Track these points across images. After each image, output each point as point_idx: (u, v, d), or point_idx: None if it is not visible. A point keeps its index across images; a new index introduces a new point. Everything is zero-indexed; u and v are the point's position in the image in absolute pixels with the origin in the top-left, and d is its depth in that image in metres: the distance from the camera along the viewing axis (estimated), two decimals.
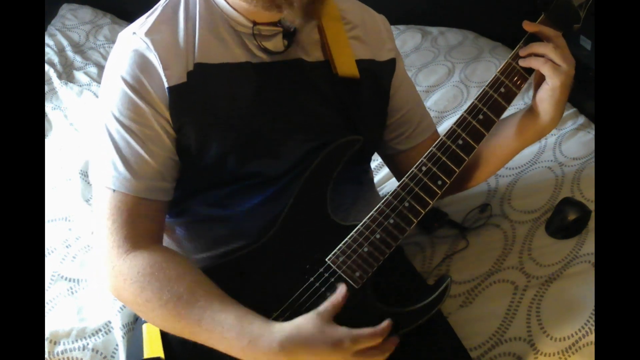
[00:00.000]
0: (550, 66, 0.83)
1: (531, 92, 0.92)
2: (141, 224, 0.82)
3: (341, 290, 0.79)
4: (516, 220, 1.21)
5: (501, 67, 0.87)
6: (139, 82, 0.82)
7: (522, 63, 0.86)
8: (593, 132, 1.41)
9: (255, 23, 0.85)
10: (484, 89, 0.86)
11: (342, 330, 0.73)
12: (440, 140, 0.85)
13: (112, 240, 0.80)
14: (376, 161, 1.41)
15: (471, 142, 0.86)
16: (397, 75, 1.00)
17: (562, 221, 1.16)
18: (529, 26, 0.86)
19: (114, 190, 0.81)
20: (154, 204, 0.84)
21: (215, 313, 0.75)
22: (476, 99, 0.86)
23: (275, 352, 0.72)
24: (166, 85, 0.82)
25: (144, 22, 0.85)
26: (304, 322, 0.74)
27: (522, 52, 0.86)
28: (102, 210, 0.82)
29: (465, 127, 0.86)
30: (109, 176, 0.82)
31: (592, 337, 0.98)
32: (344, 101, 0.92)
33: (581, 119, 1.47)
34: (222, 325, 0.74)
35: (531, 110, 0.90)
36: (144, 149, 0.82)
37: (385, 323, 0.77)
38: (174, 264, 0.80)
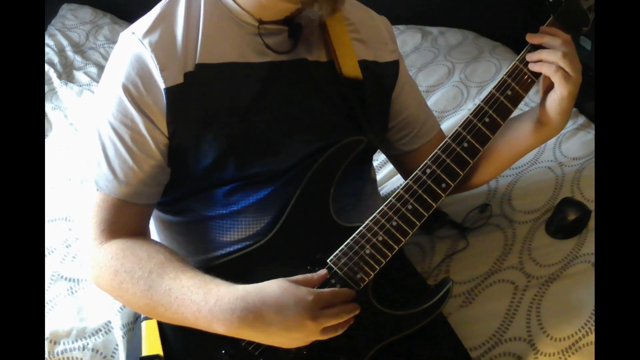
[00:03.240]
0: (561, 75, 0.82)
1: (534, 93, 0.91)
2: (120, 222, 0.84)
3: (321, 272, 0.81)
4: (516, 220, 1.21)
5: (508, 69, 0.86)
6: (135, 86, 0.82)
7: (533, 68, 0.85)
8: (593, 132, 1.41)
9: (261, 22, 0.85)
10: (491, 91, 0.86)
11: (304, 288, 0.75)
12: (445, 142, 0.85)
13: (91, 234, 0.83)
14: (377, 161, 1.41)
15: (476, 145, 0.85)
16: (400, 77, 1.01)
17: (562, 221, 1.16)
18: (532, 38, 0.85)
19: (97, 189, 0.84)
20: (136, 207, 0.85)
21: (183, 281, 0.77)
22: (482, 101, 0.86)
23: (240, 308, 0.73)
24: (163, 86, 0.82)
25: (144, 22, 0.85)
26: (269, 283, 0.76)
27: (530, 57, 0.85)
28: (86, 206, 0.85)
29: (470, 130, 0.85)
30: (94, 175, 0.84)
31: (592, 337, 0.98)
32: (348, 101, 0.91)
33: (581, 119, 1.47)
34: (191, 290, 0.76)
35: (537, 117, 0.89)
36: (130, 155, 0.83)
37: (347, 289, 0.80)
38: (145, 246, 0.82)
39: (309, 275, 0.80)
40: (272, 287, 0.75)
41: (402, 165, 1.09)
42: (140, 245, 0.82)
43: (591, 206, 1.18)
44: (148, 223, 0.90)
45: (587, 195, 1.23)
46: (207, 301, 0.74)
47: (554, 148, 1.38)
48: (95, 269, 0.83)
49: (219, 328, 0.74)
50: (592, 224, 1.16)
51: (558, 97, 0.84)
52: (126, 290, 0.80)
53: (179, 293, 0.76)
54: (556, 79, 0.82)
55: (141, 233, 0.87)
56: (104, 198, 0.84)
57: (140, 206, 0.86)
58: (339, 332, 0.77)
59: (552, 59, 0.82)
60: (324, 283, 0.82)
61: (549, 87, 0.86)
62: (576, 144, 1.38)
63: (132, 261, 0.80)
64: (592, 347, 0.98)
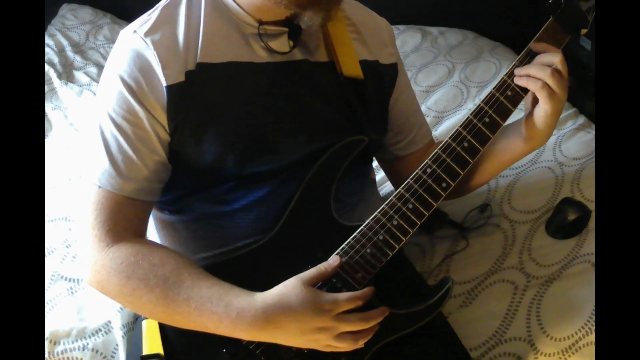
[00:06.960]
0: (547, 92, 0.83)
1: None
2: (123, 221, 0.83)
3: (333, 260, 0.81)
4: (516, 220, 1.21)
5: (508, 70, 0.87)
6: (137, 82, 0.82)
7: (519, 82, 0.85)
8: (593, 132, 1.41)
9: (261, 22, 0.85)
10: (491, 91, 0.86)
11: (322, 294, 0.76)
12: (446, 142, 0.85)
13: (94, 234, 0.81)
14: (376, 161, 1.41)
15: (476, 144, 0.86)
16: (399, 82, 1.01)
17: (562, 221, 1.16)
18: (537, 46, 0.86)
19: (99, 187, 0.82)
20: (138, 204, 0.84)
21: (202, 290, 0.77)
22: (482, 101, 0.86)
23: (261, 320, 0.75)
24: (164, 84, 0.82)
25: (145, 20, 0.85)
26: (285, 290, 0.76)
27: (518, 72, 0.86)
28: (86, 205, 0.83)
29: (471, 130, 0.86)
30: (96, 172, 0.83)
31: (592, 337, 0.98)
32: (349, 101, 0.92)
33: (581, 119, 1.47)
34: (211, 301, 0.76)
35: (523, 129, 0.90)
36: (133, 150, 0.82)
37: (367, 289, 0.80)
38: (156, 251, 0.81)
39: (321, 268, 0.80)
40: (290, 297, 0.75)
41: (391, 171, 1.09)
42: (150, 250, 0.80)
43: (591, 206, 1.18)
44: (147, 222, 0.89)
45: (587, 195, 1.23)
46: (229, 314, 0.75)
47: (554, 148, 1.38)
48: (101, 274, 0.80)
49: (240, 335, 0.77)
50: (592, 224, 1.16)
51: (543, 113, 0.85)
52: (139, 298, 0.78)
53: (198, 304, 0.76)
54: (541, 95, 0.83)
55: (143, 233, 0.87)
56: (106, 195, 0.82)
57: (143, 203, 0.85)
58: (360, 343, 0.78)
59: (542, 76, 0.83)
60: (324, 282, 0.82)
61: (535, 99, 0.86)
62: (576, 144, 1.38)
63: (145, 267, 0.78)
64: (592, 347, 0.98)
